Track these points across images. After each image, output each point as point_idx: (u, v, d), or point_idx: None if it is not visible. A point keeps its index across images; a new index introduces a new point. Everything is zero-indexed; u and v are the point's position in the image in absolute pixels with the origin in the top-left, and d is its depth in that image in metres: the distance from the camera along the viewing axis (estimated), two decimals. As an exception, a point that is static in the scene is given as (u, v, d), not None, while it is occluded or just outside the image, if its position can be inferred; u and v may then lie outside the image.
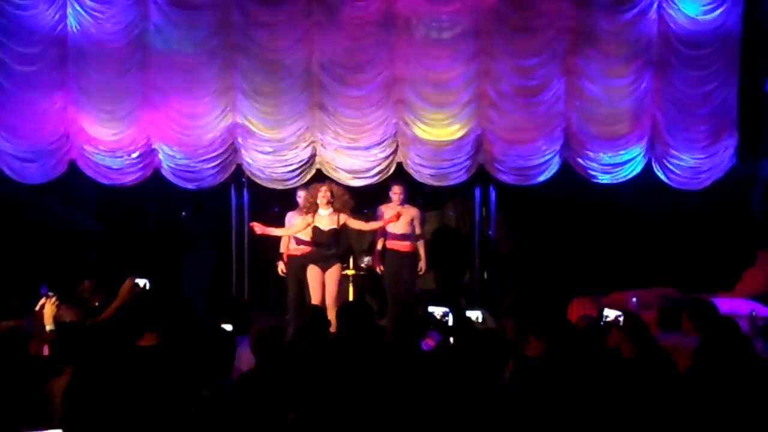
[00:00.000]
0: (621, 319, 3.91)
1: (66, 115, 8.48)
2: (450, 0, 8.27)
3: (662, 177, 8.50)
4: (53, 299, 4.95)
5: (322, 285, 7.56)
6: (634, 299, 6.18)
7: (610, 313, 3.96)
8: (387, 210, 8.03)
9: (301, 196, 8.04)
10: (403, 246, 8.00)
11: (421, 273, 8.12)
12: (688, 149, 8.44)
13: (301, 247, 7.87)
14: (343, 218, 7.59)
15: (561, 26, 8.31)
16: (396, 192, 8.02)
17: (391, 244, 8.04)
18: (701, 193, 8.59)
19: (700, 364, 3.43)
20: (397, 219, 7.69)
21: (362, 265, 8.57)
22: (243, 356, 4.38)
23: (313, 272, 7.59)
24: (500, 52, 8.35)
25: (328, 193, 7.56)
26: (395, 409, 3.53)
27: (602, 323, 4.04)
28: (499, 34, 8.33)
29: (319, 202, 7.53)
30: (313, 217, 7.55)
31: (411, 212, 8.05)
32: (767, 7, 8.54)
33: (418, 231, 8.11)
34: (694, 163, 8.46)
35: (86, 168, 8.52)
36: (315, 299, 7.49)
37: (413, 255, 8.04)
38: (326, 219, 7.55)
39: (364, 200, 8.92)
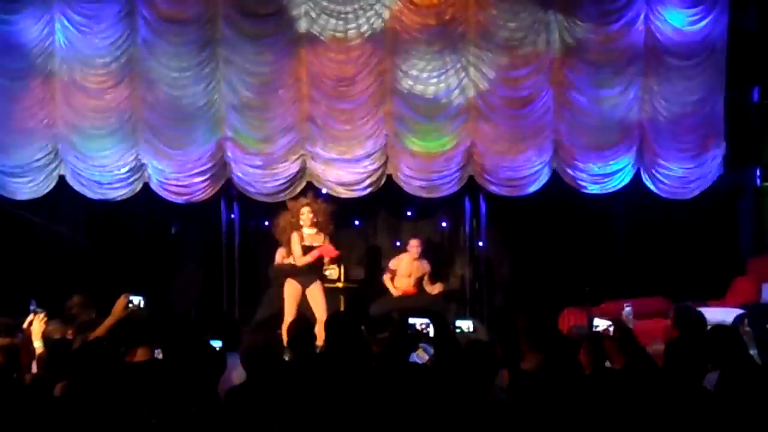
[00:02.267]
0: (611, 328, 3.91)
1: (55, 131, 8.47)
2: (438, 12, 8.29)
3: (651, 187, 8.52)
4: (41, 315, 4.91)
5: (298, 301, 7.44)
6: (628, 308, 6.18)
7: (601, 323, 3.95)
8: (400, 262, 8.31)
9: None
10: (404, 292, 8.30)
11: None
12: (676, 159, 8.47)
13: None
14: (326, 240, 7.56)
15: (549, 37, 8.35)
16: (413, 245, 8.24)
17: (391, 287, 8.37)
18: (690, 203, 8.62)
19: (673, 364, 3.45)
20: (329, 255, 7.59)
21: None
22: (233, 372, 4.36)
23: (291, 287, 7.48)
24: (489, 64, 8.38)
25: (311, 214, 7.52)
26: (382, 422, 3.52)
27: (592, 333, 4.04)
28: (487, 46, 8.36)
29: (302, 222, 7.50)
30: (300, 235, 7.49)
31: (423, 268, 8.29)
32: (752, 17, 8.61)
33: (428, 289, 8.28)
34: (682, 173, 8.50)
35: (75, 183, 8.50)
36: (289, 315, 7.31)
37: (411, 298, 8.19)
38: (313, 236, 7.52)
39: (353, 212, 8.96)
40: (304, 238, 7.52)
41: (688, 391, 3.35)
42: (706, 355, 3.46)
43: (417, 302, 8.01)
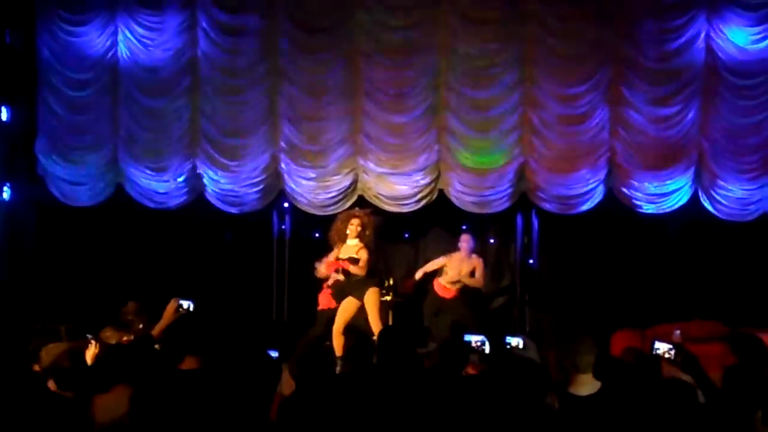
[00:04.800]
0: (672, 352, 3.81)
1: (115, 140, 8.69)
2: (495, 28, 8.27)
3: (709, 208, 8.32)
4: (95, 343, 5.01)
5: (351, 315, 7.28)
6: (678, 332, 6.04)
7: (661, 347, 3.85)
8: (451, 260, 8.11)
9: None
10: (447, 292, 8.11)
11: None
12: (736, 180, 8.25)
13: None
14: (362, 252, 7.38)
15: (606, 55, 8.24)
16: (464, 241, 8.11)
17: (437, 285, 8.15)
18: (748, 225, 8.39)
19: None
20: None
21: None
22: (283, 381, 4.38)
23: (348, 302, 7.33)
24: (544, 80, 8.31)
25: (359, 227, 7.42)
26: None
27: (652, 356, 3.95)
28: (543, 62, 8.30)
29: (348, 232, 7.42)
30: (340, 248, 7.43)
31: (474, 263, 8.07)
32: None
33: (479, 279, 8.09)
34: (742, 195, 8.27)
35: (133, 192, 8.69)
36: (339, 327, 7.24)
37: (455, 301, 8.08)
38: (352, 248, 7.40)
39: (403, 226, 8.96)
40: (342, 250, 7.41)
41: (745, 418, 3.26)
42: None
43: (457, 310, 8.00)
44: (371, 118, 8.45)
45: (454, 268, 8.10)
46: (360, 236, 7.45)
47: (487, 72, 8.34)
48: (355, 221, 7.50)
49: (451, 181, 8.45)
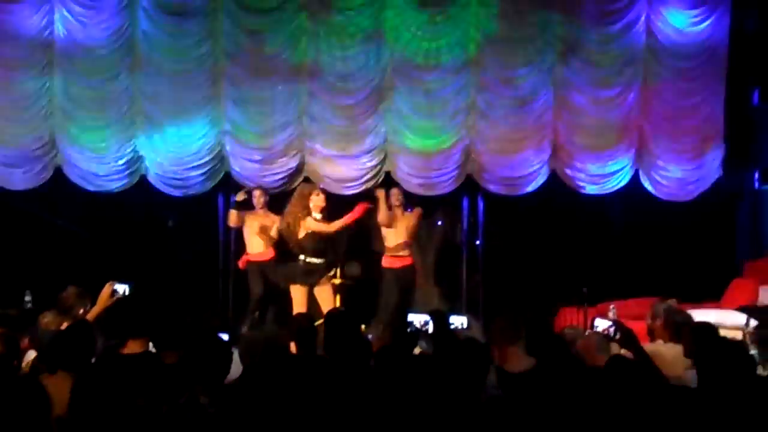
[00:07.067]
0: (611, 329, 3.90)
1: (52, 121, 8.44)
2: (440, 10, 8.28)
3: (649, 188, 8.52)
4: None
5: (307, 302, 7.05)
6: (613, 309, 6.24)
7: (601, 324, 3.95)
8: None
9: (255, 195, 7.78)
10: (399, 261, 7.78)
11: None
12: (675, 161, 8.47)
13: (260, 252, 7.77)
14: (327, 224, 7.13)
15: (549, 37, 8.34)
16: (395, 194, 7.75)
17: (387, 261, 7.85)
18: (688, 204, 8.61)
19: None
20: (362, 213, 7.18)
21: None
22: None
23: (297, 291, 7.12)
24: (489, 63, 8.37)
25: (325, 201, 7.12)
26: (377, 420, 3.50)
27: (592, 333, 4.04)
28: (488, 45, 8.35)
29: (313, 206, 7.08)
30: (301, 225, 7.09)
31: (410, 218, 7.77)
32: (754, 19, 8.60)
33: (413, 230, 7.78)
34: (681, 175, 8.49)
35: (72, 174, 8.48)
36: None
37: (410, 270, 7.81)
38: (319, 224, 7.12)
39: (350, 208, 8.91)
40: (305, 227, 7.08)
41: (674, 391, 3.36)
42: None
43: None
44: (317, 99, 8.40)
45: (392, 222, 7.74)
46: (324, 210, 7.13)
47: (433, 54, 8.35)
48: (320, 194, 7.16)
49: (398, 163, 8.47)
